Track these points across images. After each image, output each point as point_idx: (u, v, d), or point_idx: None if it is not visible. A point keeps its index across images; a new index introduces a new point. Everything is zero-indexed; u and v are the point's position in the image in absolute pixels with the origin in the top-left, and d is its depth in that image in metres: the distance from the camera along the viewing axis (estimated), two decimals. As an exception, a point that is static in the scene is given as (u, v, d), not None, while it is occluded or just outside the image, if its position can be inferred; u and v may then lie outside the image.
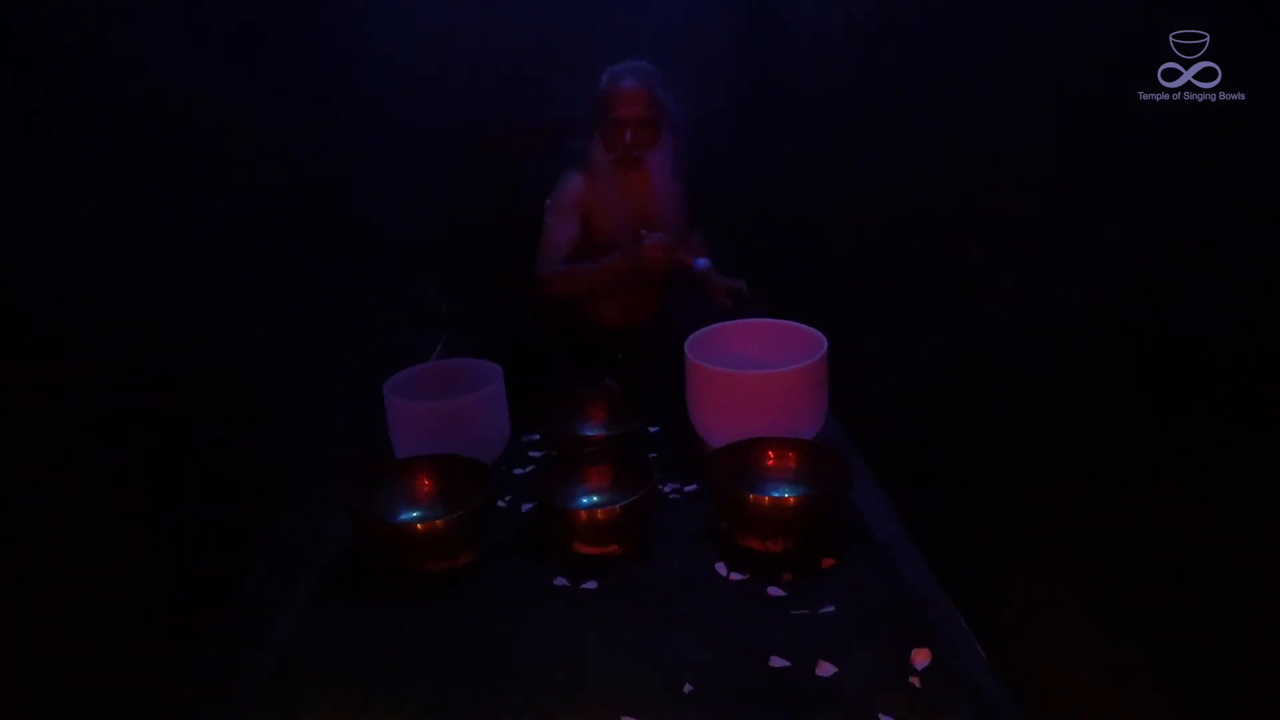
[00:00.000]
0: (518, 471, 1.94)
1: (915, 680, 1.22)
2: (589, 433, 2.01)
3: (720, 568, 1.51)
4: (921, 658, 1.26)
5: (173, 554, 1.16)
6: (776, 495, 1.61)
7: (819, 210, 2.20)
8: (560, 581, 1.51)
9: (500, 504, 1.77)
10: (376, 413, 1.86)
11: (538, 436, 2.07)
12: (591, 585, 1.49)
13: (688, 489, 1.81)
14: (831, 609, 1.38)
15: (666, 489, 1.79)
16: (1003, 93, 1.20)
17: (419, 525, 1.53)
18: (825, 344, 1.82)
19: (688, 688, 1.23)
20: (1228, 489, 0.78)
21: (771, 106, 2.63)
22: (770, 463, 1.69)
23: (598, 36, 2.62)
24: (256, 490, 1.44)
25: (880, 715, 1.17)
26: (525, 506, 1.77)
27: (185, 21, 1.29)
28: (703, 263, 2.09)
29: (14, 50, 0.92)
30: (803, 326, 1.92)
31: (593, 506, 1.64)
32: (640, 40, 2.63)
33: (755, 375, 1.74)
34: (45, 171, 0.97)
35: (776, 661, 1.28)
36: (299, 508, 1.64)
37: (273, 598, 1.49)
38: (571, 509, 1.60)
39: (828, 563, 1.51)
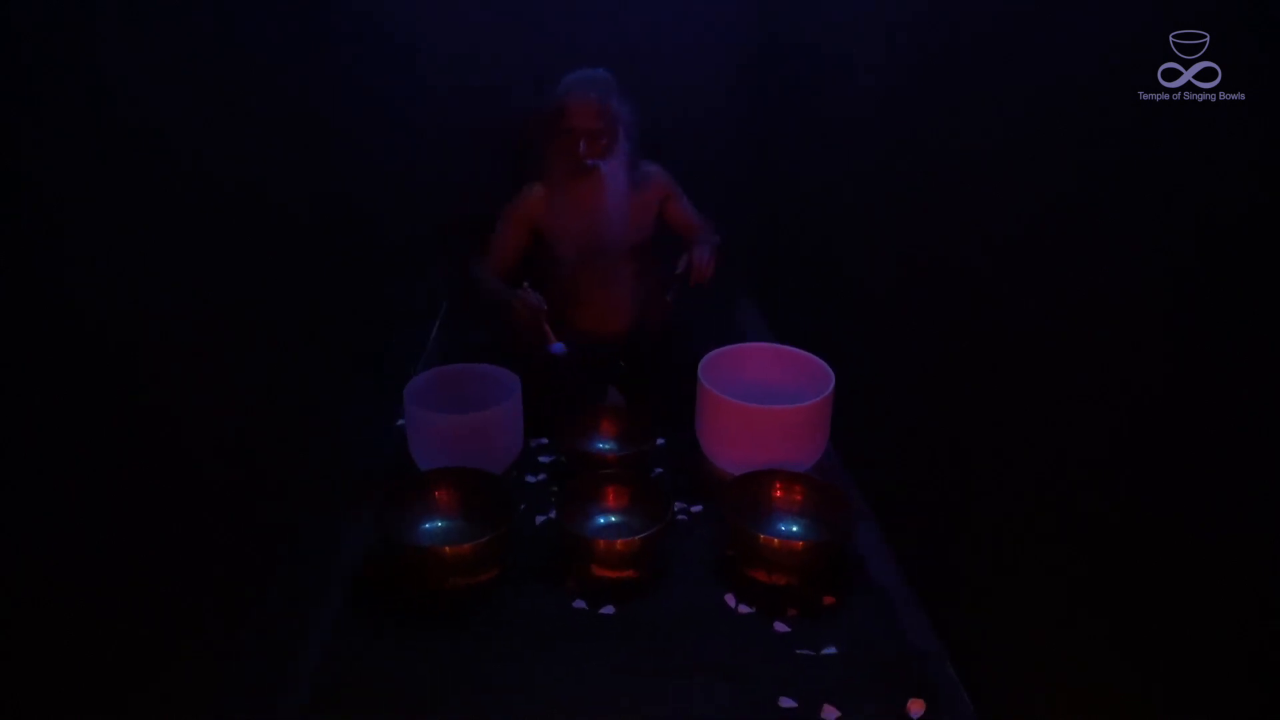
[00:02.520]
0: (530, 479, 2.01)
1: (911, 729, 1.34)
2: (599, 446, 2.09)
3: (729, 599, 1.62)
4: (916, 708, 1.38)
5: (180, 571, 1.09)
6: (784, 532, 1.71)
7: (828, 233, 2.25)
8: (579, 604, 1.60)
9: (514, 514, 1.85)
10: (384, 408, 1.88)
11: (545, 441, 2.14)
12: (609, 610, 1.59)
13: (694, 509, 1.90)
14: (834, 650, 1.50)
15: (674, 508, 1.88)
16: (1002, 92, 1.19)
17: (446, 549, 1.60)
18: (833, 378, 1.91)
19: (702, 727, 1.34)
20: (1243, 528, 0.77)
21: (780, 124, 2.64)
22: (778, 494, 1.79)
23: (608, 37, 2.60)
24: (270, 497, 1.41)
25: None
26: (539, 519, 1.85)
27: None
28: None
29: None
30: (812, 357, 2.00)
31: (613, 535, 1.73)
32: (645, 47, 2.62)
33: (769, 410, 1.82)
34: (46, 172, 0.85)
35: (785, 702, 1.39)
36: (316, 514, 1.65)
37: (296, 616, 1.50)
38: (591, 538, 1.68)
39: (828, 600, 1.62)
